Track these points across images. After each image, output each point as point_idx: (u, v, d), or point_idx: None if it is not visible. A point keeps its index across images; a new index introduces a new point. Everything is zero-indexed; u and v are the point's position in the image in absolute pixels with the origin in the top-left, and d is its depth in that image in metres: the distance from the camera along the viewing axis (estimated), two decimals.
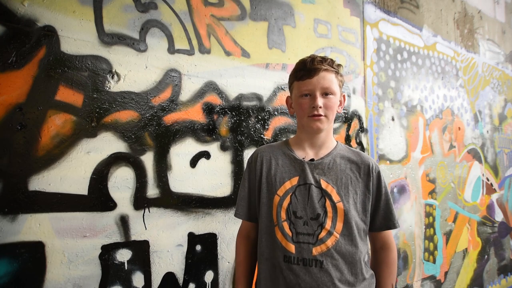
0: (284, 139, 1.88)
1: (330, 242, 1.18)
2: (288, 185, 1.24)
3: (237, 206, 1.35)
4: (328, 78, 1.21)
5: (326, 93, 1.22)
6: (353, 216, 1.21)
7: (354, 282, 1.19)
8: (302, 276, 1.16)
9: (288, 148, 1.31)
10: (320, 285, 1.15)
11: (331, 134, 1.31)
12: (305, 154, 1.29)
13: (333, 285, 1.16)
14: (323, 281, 1.16)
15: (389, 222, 1.29)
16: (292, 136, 1.94)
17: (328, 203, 1.21)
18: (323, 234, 1.18)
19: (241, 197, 1.34)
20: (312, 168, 1.25)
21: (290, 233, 1.20)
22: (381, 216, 1.28)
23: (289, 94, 1.35)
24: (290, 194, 1.23)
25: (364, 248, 1.25)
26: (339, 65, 1.26)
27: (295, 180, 1.24)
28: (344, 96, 1.31)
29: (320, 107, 1.20)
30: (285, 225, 1.21)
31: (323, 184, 1.22)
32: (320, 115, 1.21)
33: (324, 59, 1.23)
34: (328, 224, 1.19)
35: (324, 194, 1.21)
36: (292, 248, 1.19)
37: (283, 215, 1.22)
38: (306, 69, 1.22)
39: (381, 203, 1.28)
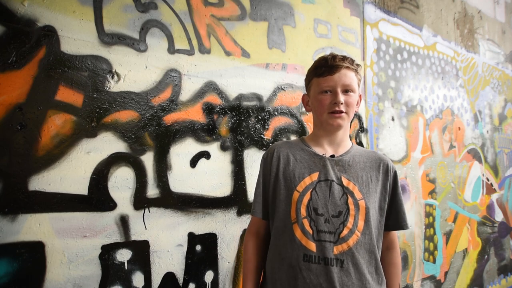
0: (285, 139, 1.88)
1: (351, 241, 1.16)
2: (308, 180, 1.21)
3: (253, 204, 1.31)
4: (349, 76, 1.22)
5: (346, 90, 1.21)
6: (373, 214, 1.20)
7: (372, 280, 1.18)
8: (323, 276, 1.13)
9: (305, 145, 1.30)
10: (341, 285, 1.13)
11: (348, 133, 1.31)
12: (324, 151, 1.27)
13: (353, 285, 1.14)
14: (343, 281, 1.13)
15: (402, 223, 1.29)
16: (294, 138, 1.93)
17: (350, 200, 1.19)
18: (345, 232, 1.16)
19: (256, 194, 1.31)
20: (333, 164, 1.23)
21: (310, 231, 1.16)
22: (394, 216, 1.28)
23: (305, 93, 1.34)
24: (310, 190, 1.20)
25: (380, 247, 1.24)
26: (358, 65, 1.26)
27: (315, 176, 1.22)
28: (360, 96, 1.30)
29: (342, 103, 1.19)
30: (305, 222, 1.17)
31: (345, 182, 1.21)
32: (341, 112, 1.20)
33: (345, 57, 1.23)
34: (350, 222, 1.17)
35: (346, 191, 1.20)
36: (312, 246, 1.15)
37: (303, 211, 1.18)
38: (328, 66, 1.21)
39: (396, 203, 1.28)
